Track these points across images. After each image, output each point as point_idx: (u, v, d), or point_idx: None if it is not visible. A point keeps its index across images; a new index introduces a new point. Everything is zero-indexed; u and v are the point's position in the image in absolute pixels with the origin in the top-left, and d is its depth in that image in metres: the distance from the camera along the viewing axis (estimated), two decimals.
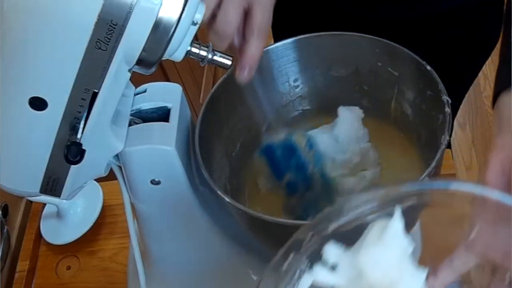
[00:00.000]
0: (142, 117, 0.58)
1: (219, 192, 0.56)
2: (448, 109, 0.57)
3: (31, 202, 0.94)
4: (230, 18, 0.53)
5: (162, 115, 0.59)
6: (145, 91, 0.60)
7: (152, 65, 0.48)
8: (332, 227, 0.41)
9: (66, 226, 0.88)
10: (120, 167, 0.58)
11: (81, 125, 0.49)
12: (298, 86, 0.72)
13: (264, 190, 0.68)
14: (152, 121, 0.58)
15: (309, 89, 0.72)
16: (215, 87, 0.64)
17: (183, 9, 0.45)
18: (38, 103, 0.47)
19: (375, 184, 0.68)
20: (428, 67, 0.60)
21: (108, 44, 0.44)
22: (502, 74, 0.52)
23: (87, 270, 0.86)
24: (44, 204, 0.92)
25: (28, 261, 0.86)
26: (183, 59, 0.51)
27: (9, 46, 0.45)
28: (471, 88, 0.97)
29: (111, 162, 0.57)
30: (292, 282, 0.41)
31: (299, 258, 0.41)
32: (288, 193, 0.65)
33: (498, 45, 0.79)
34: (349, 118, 0.67)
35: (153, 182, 0.58)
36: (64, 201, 0.86)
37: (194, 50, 0.51)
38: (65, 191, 0.54)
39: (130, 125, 0.57)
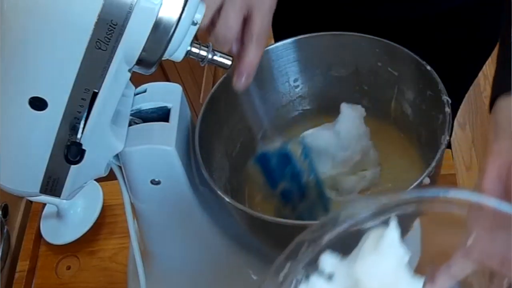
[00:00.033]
0: (142, 117, 0.58)
1: (219, 192, 0.56)
2: (448, 109, 0.57)
3: (31, 202, 0.94)
4: (230, 24, 0.52)
5: (162, 115, 0.59)
6: (145, 91, 0.60)
7: (152, 65, 0.48)
8: (328, 236, 0.41)
9: (66, 226, 0.88)
10: (120, 167, 0.58)
11: (81, 125, 0.49)
12: (298, 86, 0.72)
13: (258, 198, 0.68)
14: (152, 121, 0.58)
15: (309, 89, 0.72)
16: (215, 87, 0.64)
17: (183, 9, 0.45)
18: (38, 103, 0.47)
19: (375, 184, 0.68)
20: (428, 67, 0.60)
21: (108, 44, 0.44)
22: (499, 78, 0.52)
23: (87, 270, 0.86)
24: (44, 204, 0.92)
25: (28, 261, 0.86)
26: (183, 59, 0.51)
27: (9, 46, 0.45)
28: (471, 88, 0.97)
29: (111, 162, 0.57)
30: None
31: (295, 268, 0.41)
32: (282, 202, 0.65)
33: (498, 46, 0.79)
34: (351, 115, 0.67)
35: (153, 182, 0.58)
36: (64, 201, 0.86)
37: (194, 50, 0.51)
38: (65, 191, 0.54)
39: (130, 125, 0.57)
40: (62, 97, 0.47)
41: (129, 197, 0.61)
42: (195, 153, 0.59)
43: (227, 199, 0.56)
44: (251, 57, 0.55)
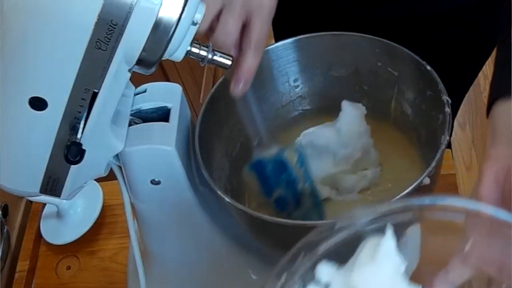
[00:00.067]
0: (142, 117, 0.58)
1: (219, 192, 0.56)
2: (448, 109, 0.57)
3: (31, 202, 0.94)
4: (229, 30, 0.52)
5: (162, 115, 0.59)
6: (145, 91, 0.60)
7: (152, 65, 0.48)
8: (324, 246, 0.41)
9: (66, 226, 0.88)
10: (120, 167, 0.58)
11: (81, 125, 0.49)
12: (298, 86, 0.72)
13: (252, 206, 0.68)
14: (152, 121, 0.58)
15: (309, 89, 0.72)
16: (215, 87, 0.64)
17: (183, 9, 0.45)
18: (38, 103, 0.47)
19: (375, 183, 0.68)
20: (428, 67, 0.60)
21: (108, 44, 0.44)
22: (497, 81, 0.52)
23: (87, 270, 0.86)
24: (44, 204, 0.92)
25: (28, 261, 0.86)
26: (183, 59, 0.51)
27: (9, 46, 0.45)
28: (471, 88, 0.98)
29: (111, 162, 0.57)
30: None
31: (291, 278, 0.41)
32: (277, 209, 0.64)
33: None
34: (352, 112, 0.67)
35: (153, 182, 0.58)
36: (64, 201, 0.86)
37: (194, 50, 0.51)
38: (65, 191, 0.54)
39: (130, 125, 0.57)
40: (62, 97, 0.47)
41: (129, 197, 0.61)
42: (195, 153, 0.59)
43: (227, 199, 0.56)
44: (249, 63, 0.54)
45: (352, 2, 0.80)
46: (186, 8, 0.45)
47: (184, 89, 0.68)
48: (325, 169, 0.67)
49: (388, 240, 0.40)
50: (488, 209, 0.40)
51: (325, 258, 0.41)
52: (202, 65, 0.53)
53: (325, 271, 0.41)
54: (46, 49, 0.45)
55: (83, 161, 0.50)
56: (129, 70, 0.48)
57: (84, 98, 0.47)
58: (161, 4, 0.44)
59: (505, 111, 0.48)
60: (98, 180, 0.61)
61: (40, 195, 0.54)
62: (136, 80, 0.56)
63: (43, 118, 0.48)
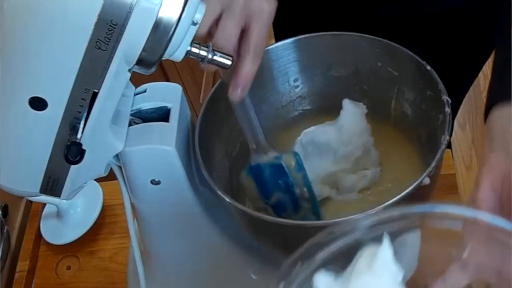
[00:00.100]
0: (142, 117, 0.58)
1: (219, 192, 0.56)
2: (448, 109, 0.57)
3: (31, 202, 0.94)
4: (229, 35, 0.52)
5: (162, 115, 0.59)
6: (145, 91, 0.60)
7: (152, 65, 0.48)
8: (321, 255, 0.41)
9: (66, 226, 0.88)
10: (120, 167, 0.58)
11: (81, 125, 0.49)
12: (298, 86, 0.72)
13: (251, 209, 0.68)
14: (152, 121, 0.58)
15: (309, 89, 0.72)
16: (215, 87, 0.64)
17: (183, 9, 0.45)
18: (38, 103, 0.47)
19: (375, 183, 0.68)
20: (428, 67, 0.60)
21: (108, 44, 0.44)
22: (494, 86, 0.52)
23: (87, 270, 0.86)
24: (44, 204, 0.92)
25: (28, 261, 0.86)
26: (183, 59, 0.51)
27: (9, 46, 0.45)
28: (471, 88, 0.98)
29: (111, 162, 0.57)
30: None
31: None
32: (274, 214, 0.64)
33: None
34: (353, 111, 0.67)
35: (153, 182, 0.58)
36: (64, 201, 0.86)
37: (194, 50, 0.51)
38: (65, 191, 0.54)
39: (130, 125, 0.57)
40: (62, 97, 0.47)
41: (129, 197, 0.61)
42: (195, 153, 0.59)
43: (227, 199, 0.56)
44: (248, 68, 0.54)
45: (352, 2, 0.80)
46: (186, 8, 0.45)
47: (184, 89, 0.67)
48: (325, 167, 0.67)
49: (385, 249, 0.40)
50: (486, 217, 0.40)
51: (322, 267, 0.41)
52: (202, 65, 0.52)
53: (322, 280, 0.41)
54: (46, 49, 0.45)
55: (83, 161, 0.50)
56: (129, 70, 0.48)
57: (84, 98, 0.47)
58: (161, 4, 0.44)
59: (503, 117, 0.48)
60: (98, 180, 0.61)
61: (40, 195, 0.54)
62: (136, 80, 0.56)
63: (43, 118, 0.48)
